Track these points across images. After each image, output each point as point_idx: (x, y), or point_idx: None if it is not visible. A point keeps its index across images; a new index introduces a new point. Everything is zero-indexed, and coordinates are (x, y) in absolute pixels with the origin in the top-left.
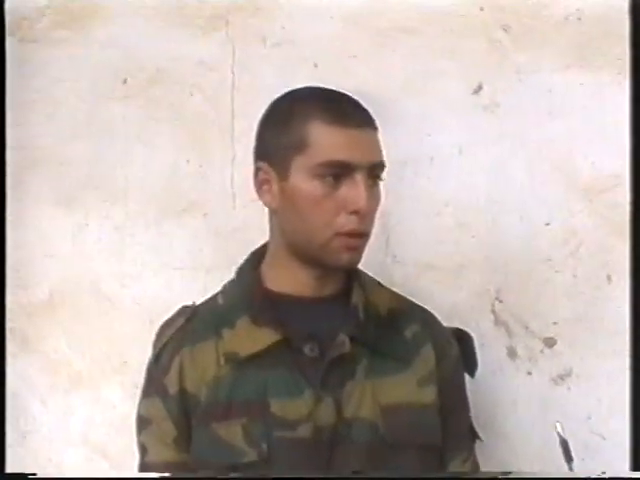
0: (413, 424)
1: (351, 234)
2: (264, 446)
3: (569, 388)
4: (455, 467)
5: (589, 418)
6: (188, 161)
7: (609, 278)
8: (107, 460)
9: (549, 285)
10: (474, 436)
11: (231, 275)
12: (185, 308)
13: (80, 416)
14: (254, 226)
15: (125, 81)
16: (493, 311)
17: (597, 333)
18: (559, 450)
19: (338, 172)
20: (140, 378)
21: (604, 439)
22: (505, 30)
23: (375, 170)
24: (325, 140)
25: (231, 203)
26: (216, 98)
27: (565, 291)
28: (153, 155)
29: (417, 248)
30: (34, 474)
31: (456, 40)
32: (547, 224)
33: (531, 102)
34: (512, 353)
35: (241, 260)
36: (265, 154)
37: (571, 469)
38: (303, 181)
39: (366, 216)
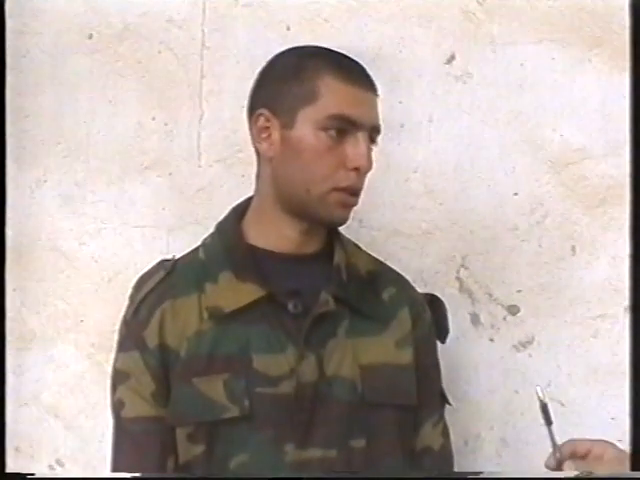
0: (390, 384)
1: (348, 190)
2: (246, 402)
3: (530, 355)
4: (427, 430)
5: (549, 385)
6: (154, 119)
7: (573, 249)
8: (59, 420)
9: (514, 254)
10: (444, 400)
11: (194, 235)
12: (165, 262)
13: (32, 375)
14: (219, 186)
15: (91, 36)
16: (458, 278)
17: (559, 302)
18: (519, 415)
19: (343, 127)
20: (96, 337)
21: (563, 405)
22: (479, 3)
23: (374, 133)
24: (336, 95)
25: (196, 162)
26: (185, 57)
27: (530, 260)
28: (118, 112)
29: (384, 213)
30: (32, 474)
31: (430, 9)
32: (515, 194)
33: (503, 74)
34: (475, 320)
35: (205, 220)
36: (268, 103)
37: (550, 432)
38: (309, 132)
39: (363, 175)
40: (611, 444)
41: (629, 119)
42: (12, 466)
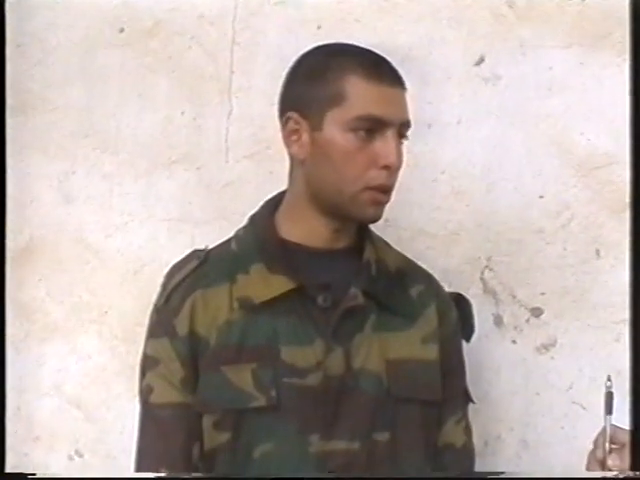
0: (416, 379)
1: (379, 188)
2: (273, 392)
3: (552, 358)
4: (450, 427)
5: (570, 388)
6: (183, 113)
7: (598, 253)
8: (80, 411)
9: (539, 256)
10: (468, 398)
11: (220, 230)
12: (197, 252)
13: (54, 366)
14: (246, 181)
15: (122, 30)
16: (482, 279)
17: (583, 306)
18: (540, 417)
19: (372, 127)
20: (119, 329)
21: (584, 409)
22: (510, 6)
23: (403, 129)
24: (362, 95)
25: (224, 158)
26: (215, 52)
27: (554, 263)
28: (147, 106)
29: (411, 213)
30: (33, 474)
31: (461, 11)
32: (541, 196)
33: (532, 77)
34: (498, 321)
35: (232, 215)
36: (296, 105)
37: (606, 422)
38: (337, 133)
39: (394, 172)
40: None
41: (629, 124)
42: (31, 455)
